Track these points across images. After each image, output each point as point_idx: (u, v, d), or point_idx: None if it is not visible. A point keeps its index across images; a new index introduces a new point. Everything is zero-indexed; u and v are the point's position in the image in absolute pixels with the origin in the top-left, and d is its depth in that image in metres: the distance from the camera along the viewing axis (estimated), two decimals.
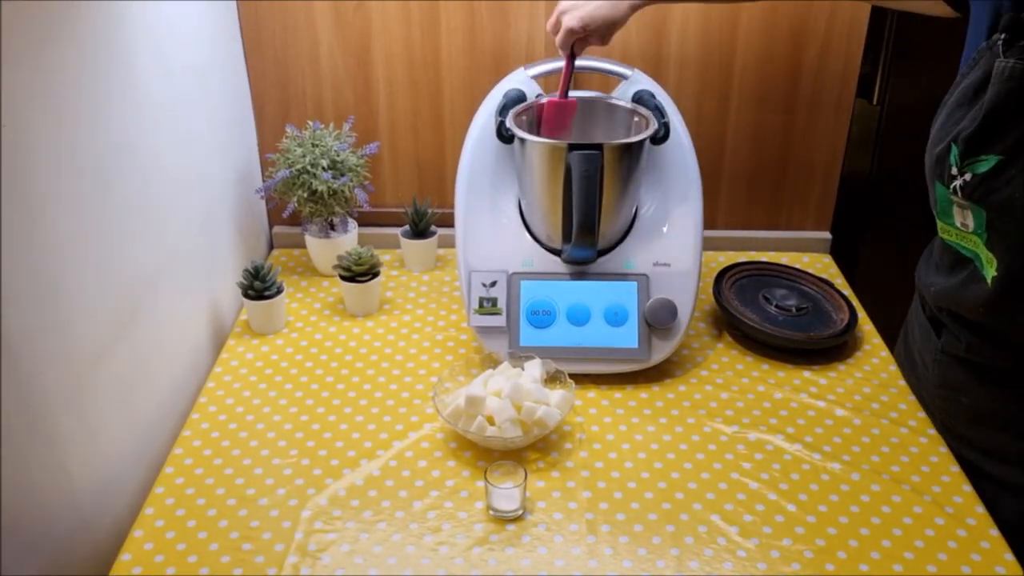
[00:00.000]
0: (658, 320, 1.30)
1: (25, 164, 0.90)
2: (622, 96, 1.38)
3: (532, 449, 1.19)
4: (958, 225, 1.07)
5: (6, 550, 0.89)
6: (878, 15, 1.59)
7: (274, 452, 1.19)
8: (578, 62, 1.33)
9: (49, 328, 0.95)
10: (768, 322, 1.41)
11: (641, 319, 1.31)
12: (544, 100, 1.35)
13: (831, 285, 1.51)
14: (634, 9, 1.27)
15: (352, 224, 1.60)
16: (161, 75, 1.22)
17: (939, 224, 1.12)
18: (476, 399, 1.17)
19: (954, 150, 1.03)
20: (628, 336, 1.31)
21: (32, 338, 0.92)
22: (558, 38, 1.29)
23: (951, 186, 1.04)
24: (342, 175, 1.49)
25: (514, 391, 1.17)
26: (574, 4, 1.26)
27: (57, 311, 0.97)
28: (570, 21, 1.26)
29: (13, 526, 0.90)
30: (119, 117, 1.10)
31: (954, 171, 1.03)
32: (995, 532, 1.06)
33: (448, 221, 1.48)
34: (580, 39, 1.28)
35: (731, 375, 1.35)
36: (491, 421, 1.17)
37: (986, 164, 0.99)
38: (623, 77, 1.40)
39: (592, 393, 1.31)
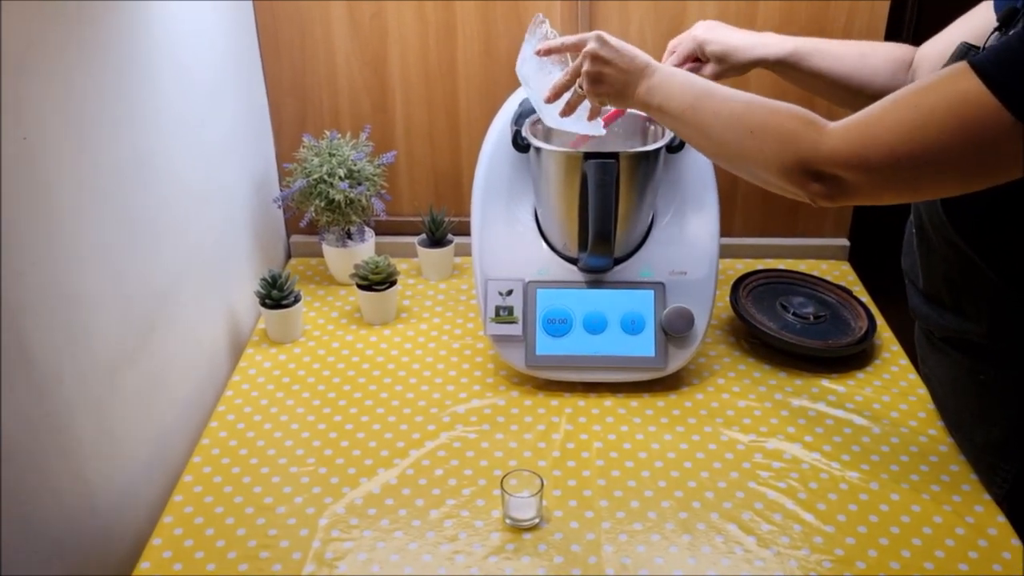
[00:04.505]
0: (675, 328, 1.30)
1: (46, 176, 0.91)
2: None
3: (549, 458, 1.19)
4: None
5: (27, 557, 0.90)
6: (897, 15, 1.58)
7: (292, 460, 1.19)
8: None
9: (69, 337, 0.96)
10: (786, 330, 1.40)
11: (658, 327, 1.31)
12: None
13: (849, 293, 1.50)
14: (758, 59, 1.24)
15: (369, 233, 1.61)
16: (180, 86, 1.23)
17: None
18: None
19: None
20: (645, 345, 1.31)
21: (52, 347, 0.93)
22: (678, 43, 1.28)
23: None
24: (359, 184, 1.49)
25: None
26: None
27: (77, 321, 0.98)
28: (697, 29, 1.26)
29: (33, 534, 0.91)
30: (139, 128, 1.11)
31: None
32: (1016, 542, 1.05)
33: (465, 230, 1.48)
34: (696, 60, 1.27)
35: (748, 383, 1.35)
36: None
37: None
38: None
39: (609, 402, 1.30)
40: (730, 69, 1.25)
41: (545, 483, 1.10)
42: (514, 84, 1.46)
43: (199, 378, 1.31)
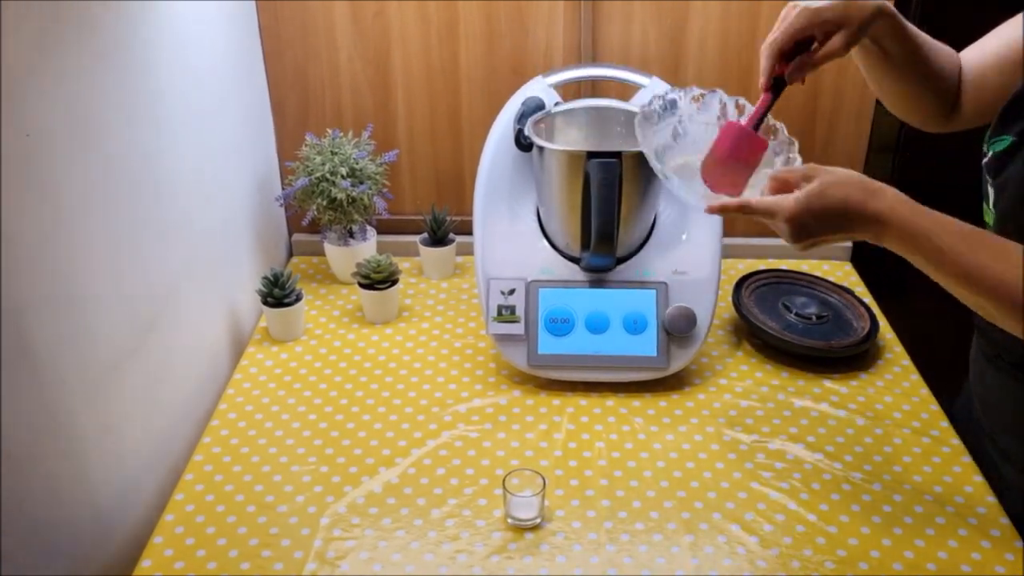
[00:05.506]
0: (677, 328, 1.30)
1: (49, 174, 0.91)
2: (640, 104, 1.38)
3: (551, 457, 1.19)
4: (989, 205, 1.06)
5: (27, 555, 0.90)
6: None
7: (293, 459, 1.19)
8: (594, 70, 1.31)
9: (71, 335, 0.96)
10: (788, 330, 1.40)
11: (660, 327, 1.30)
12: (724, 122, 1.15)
13: (852, 293, 1.50)
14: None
15: (371, 232, 1.61)
16: (183, 84, 1.23)
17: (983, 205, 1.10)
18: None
19: (989, 129, 1.04)
20: (647, 344, 1.30)
21: (54, 344, 0.93)
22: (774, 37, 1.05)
23: (982, 163, 1.04)
24: (361, 183, 1.49)
25: None
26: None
27: (79, 319, 0.97)
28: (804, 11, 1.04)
29: (34, 532, 0.91)
30: (142, 126, 1.11)
31: (985, 148, 1.04)
32: (1020, 544, 1.05)
33: (467, 229, 1.48)
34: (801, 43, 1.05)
35: (751, 384, 1.34)
36: None
37: (1002, 144, 1.00)
38: (641, 85, 1.40)
39: (611, 401, 1.30)
40: (854, 31, 1.02)
41: (547, 482, 1.10)
42: (516, 83, 1.46)
43: (200, 376, 1.30)
